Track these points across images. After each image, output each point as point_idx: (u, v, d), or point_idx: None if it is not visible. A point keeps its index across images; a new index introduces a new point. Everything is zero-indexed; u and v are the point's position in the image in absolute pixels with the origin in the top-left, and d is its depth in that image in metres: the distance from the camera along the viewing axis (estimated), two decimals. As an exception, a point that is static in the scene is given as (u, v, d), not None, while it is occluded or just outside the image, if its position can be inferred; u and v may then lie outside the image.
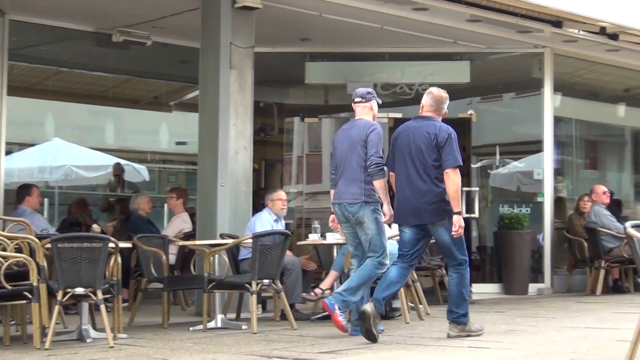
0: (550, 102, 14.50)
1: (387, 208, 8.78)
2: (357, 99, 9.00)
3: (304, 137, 15.51)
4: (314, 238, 10.98)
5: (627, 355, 6.60)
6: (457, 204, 8.41)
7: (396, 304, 10.41)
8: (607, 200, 14.54)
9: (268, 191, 11.47)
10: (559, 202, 15.32)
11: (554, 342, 8.39)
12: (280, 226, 10.85)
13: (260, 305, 10.95)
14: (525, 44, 14.30)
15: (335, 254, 10.67)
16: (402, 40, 13.66)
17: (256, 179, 14.39)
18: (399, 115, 14.23)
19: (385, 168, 8.79)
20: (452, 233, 8.41)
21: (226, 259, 9.87)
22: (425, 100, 8.72)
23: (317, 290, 10.51)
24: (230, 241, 10.10)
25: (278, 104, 16.11)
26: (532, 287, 14.16)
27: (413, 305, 10.58)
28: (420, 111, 8.76)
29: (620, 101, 17.15)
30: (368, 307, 8.33)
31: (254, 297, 9.43)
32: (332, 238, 10.57)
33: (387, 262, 8.75)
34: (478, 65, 14.80)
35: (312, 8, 12.22)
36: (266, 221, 10.73)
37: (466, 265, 8.65)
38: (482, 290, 13.81)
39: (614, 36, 13.85)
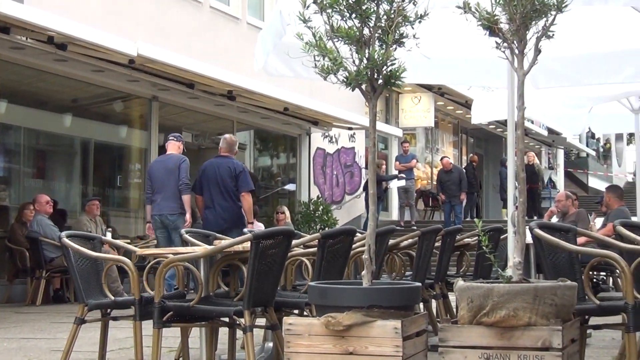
0: (-2, 108, 14.23)
1: (188, 216, 12.29)
2: (172, 138, 12.77)
3: None
4: None
5: (56, 365, 6.69)
6: (250, 216, 12.34)
7: None
8: (50, 210, 14.55)
9: None
10: (2, 211, 15.06)
11: (-14, 354, 8.25)
12: None
13: None
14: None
15: None
16: None
17: None
18: None
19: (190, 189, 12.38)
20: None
21: None
22: (221, 144, 12.48)
23: None
24: None
25: None
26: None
27: None
28: (219, 152, 12.49)
29: (69, 111, 17.23)
30: None
31: None
32: None
33: None
34: None
35: None
36: None
37: None
38: None
39: (62, 46, 13.85)
